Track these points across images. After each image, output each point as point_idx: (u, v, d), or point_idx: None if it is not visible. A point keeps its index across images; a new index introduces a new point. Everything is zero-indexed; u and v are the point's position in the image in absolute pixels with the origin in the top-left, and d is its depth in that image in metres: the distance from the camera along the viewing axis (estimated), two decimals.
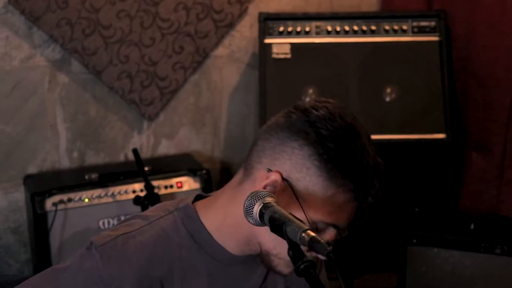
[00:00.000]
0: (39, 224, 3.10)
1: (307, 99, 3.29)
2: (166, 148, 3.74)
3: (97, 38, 3.40)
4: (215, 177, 3.67)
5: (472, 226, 2.86)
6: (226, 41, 3.71)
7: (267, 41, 3.35)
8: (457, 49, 3.42)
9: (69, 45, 3.37)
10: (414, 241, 2.77)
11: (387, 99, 3.29)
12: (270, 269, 1.40)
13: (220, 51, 3.71)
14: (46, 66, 3.43)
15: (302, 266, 1.09)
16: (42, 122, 3.48)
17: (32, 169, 3.48)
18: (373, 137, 3.17)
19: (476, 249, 2.77)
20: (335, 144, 1.33)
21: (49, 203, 3.11)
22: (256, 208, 1.20)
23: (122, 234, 1.36)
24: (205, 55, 3.63)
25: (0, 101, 3.38)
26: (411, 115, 3.26)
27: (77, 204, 3.18)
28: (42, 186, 3.20)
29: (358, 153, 1.35)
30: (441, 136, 3.17)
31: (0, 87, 3.37)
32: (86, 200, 3.19)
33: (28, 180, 3.36)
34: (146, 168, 3.18)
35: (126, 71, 3.49)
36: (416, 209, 2.93)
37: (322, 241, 1.12)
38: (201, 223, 1.40)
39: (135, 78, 3.51)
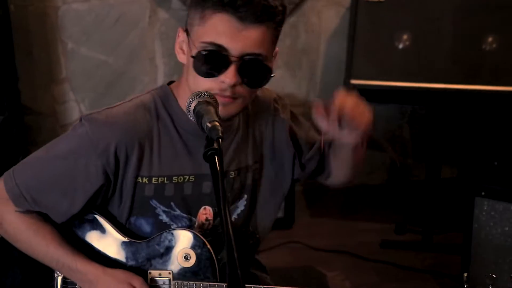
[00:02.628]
0: None
1: (401, 46, 3.20)
2: (259, 90, 3.75)
3: None
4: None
5: None
6: None
7: None
8: None
9: None
10: (483, 193, 2.63)
11: (487, 48, 3.08)
12: None
13: None
14: (147, 1, 3.56)
15: (208, 152, 1.21)
16: (141, 55, 3.63)
17: None
18: (466, 87, 3.09)
19: None
20: None
21: None
22: (193, 105, 1.35)
23: (106, 108, 1.59)
24: None
25: (103, 33, 3.56)
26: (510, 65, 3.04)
27: None
28: None
29: None
30: None
31: (105, 19, 3.54)
32: None
33: None
34: None
35: None
36: (496, 163, 2.76)
37: (207, 116, 1.28)
38: (174, 97, 1.59)
39: None
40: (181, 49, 1.55)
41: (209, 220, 1.62)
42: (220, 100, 1.42)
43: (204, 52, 1.45)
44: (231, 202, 1.65)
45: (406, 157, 4.00)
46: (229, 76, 1.44)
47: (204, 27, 1.45)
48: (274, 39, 1.50)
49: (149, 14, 3.57)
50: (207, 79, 1.47)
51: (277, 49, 1.54)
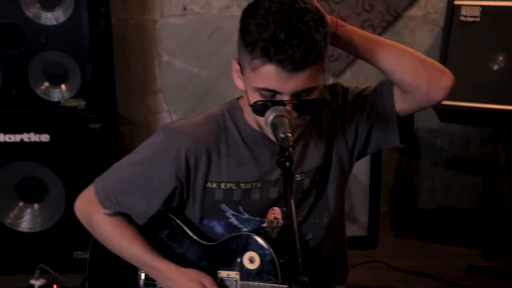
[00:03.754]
0: None
1: (495, 67, 3.12)
2: None
3: None
4: None
5: None
6: (422, 1, 3.60)
7: (456, 2, 3.18)
8: None
9: None
10: None
11: None
12: None
13: (414, 12, 3.61)
14: (241, 16, 3.63)
15: (281, 159, 1.35)
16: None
17: None
18: None
19: None
20: (240, 21, 1.56)
21: None
22: (270, 118, 1.49)
23: (180, 119, 1.75)
24: (397, 15, 3.56)
25: (198, 47, 3.67)
26: None
27: None
28: None
29: (253, 22, 1.50)
30: None
31: (199, 33, 3.66)
32: None
33: None
34: None
35: None
36: None
37: (281, 128, 1.43)
38: (240, 110, 1.70)
39: None
40: (238, 77, 1.66)
41: (278, 218, 1.69)
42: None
43: (260, 102, 1.52)
44: (301, 201, 1.71)
45: (500, 182, 3.88)
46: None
47: (255, 73, 1.53)
48: (318, 72, 1.55)
49: None
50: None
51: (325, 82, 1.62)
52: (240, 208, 1.67)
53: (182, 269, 1.65)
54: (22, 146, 3.07)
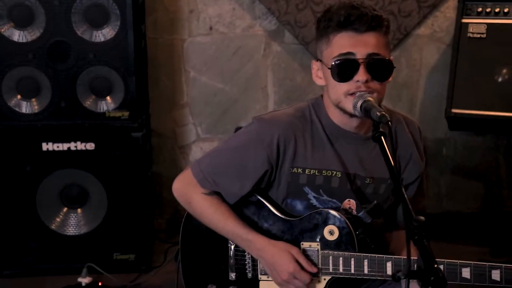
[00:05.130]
0: None
1: (500, 79, 3.43)
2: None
3: (308, 13, 3.82)
4: None
5: None
6: (429, 21, 3.92)
7: (464, 20, 3.50)
8: None
9: (283, 18, 3.83)
10: None
11: None
12: None
13: (422, 30, 3.93)
14: (263, 35, 3.93)
15: (376, 134, 1.60)
16: (255, 84, 3.99)
17: (242, 125, 4.00)
18: None
19: None
20: (317, 23, 1.90)
21: None
22: (359, 104, 1.76)
23: (272, 112, 2.02)
24: (406, 33, 3.88)
25: (222, 64, 3.95)
26: None
27: None
28: None
29: (326, 14, 1.85)
30: None
31: (224, 51, 3.94)
32: None
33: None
34: None
35: None
36: None
37: (374, 109, 1.67)
38: (324, 106, 1.93)
39: None
40: (317, 76, 1.92)
41: (352, 209, 1.92)
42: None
43: (337, 62, 1.80)
44: (363, 201, 1.95)
45: (500, 188, 4.17)
46: (361, 75, 1.78)
47: (331, 47, 1.82)
48: (386, 45, 1.84)
49: (264, 47, 3.94)
50: (344, 83, 1.80)
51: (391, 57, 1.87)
52: (321, 191, 1.92)
53: (272, 241, 1.90)
54: (69, 155, 3.31)
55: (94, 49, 3.22)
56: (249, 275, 1.94)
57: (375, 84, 1.80)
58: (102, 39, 3.21)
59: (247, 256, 1.96)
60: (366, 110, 1.71)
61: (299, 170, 1.91)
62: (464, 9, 3.52)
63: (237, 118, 4.02)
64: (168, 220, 4.10)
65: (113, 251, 3.45)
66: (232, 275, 1.97)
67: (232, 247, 1.98)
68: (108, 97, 3.30)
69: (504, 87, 3.41)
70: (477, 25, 3.47)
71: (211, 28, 3.91)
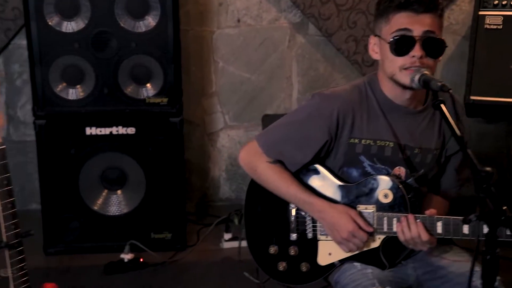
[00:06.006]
0: None
1: None
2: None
3: (332, 6, 4.03)
4: None
5: None
6: (446, 14, 4.12)
7: (481, 13, 3.71)
8: None
9: (308, 11, 4.03)
10: None
11: None
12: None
13: None
14: (288, 28, 4.14)
15: (436, 102, 1.84)
16: (280, 74, 4.20)
17: (268, 113, 4.21)
18: None
19: None
20: (376, 5, 2.11)
21: None
22: (417, 77, 1.97)
23: (331, 88, 2.20)
24: None
25: (249, 54, 4.16)
26: None
27: None
28: None
29: None
30: None
31: (251, 42, 4.14)
32: None
33: (265, 118, 4.06)
34: None
35: (353, 35, 4.08)
36: None
37: (434, 80, 1.90)
38: (378, 82, 2.14)
39: (360, 41, 4.09)
40: (373, 51, 2.14)
41: (401, 176, 2.12)
42: (410, 72, 1.99)
43: (396, 37, 2.01)
44: (412, 170, 2.15)
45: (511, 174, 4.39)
46: (416, 51, 1.98)
47: (390, 24, 2.03)
48: (440, 26, 2.06)
49: (289, 39, 4.15)
50: (401, 57, 2.01)
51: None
52: (375, 159, 2.12)
53: (332, 203, 2.11)
54: (110, 139, 3.50)
55: (136, 39, 3.41)
56: (309, 235, 2.15)
57: (428, 60, 2.00)
58: (144, 29, 3.41)
59: (307, 218, 2.16)
60: (425, 81, 1.91)
61: (356, 140, 2.11)
62: (481, 2, 3.73)
63: (263, 106, 4.23)
64: (197, 204, 4.30)
65: (150, 230, 3.64)
66: (293, 236, 2.17)
67: (293, 210, 2.18)
68: (148, 84, 3.49)
69: None
70: (493, 17, 3.67)
71: (239, 21, 4.11)
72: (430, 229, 1.99)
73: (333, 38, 4.08)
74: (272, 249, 2.19)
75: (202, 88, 4.19)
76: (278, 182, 2.13)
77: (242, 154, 2.20)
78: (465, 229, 1.97)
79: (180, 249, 3.68)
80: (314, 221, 2.15)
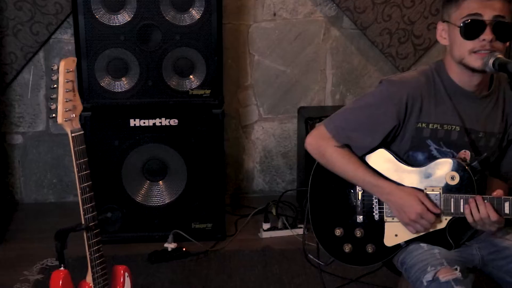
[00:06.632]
0: None
1: None
2: None
3: None
4: None
5: None
6: None
7: None
8: None
9: (343, 4, 4.09)
10: None
11: None
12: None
13: None
14: (323, 21, 4.20)
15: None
16: (314, 67, 4.26)
17: (303, 105, 4.27)
18: None
19: None
20: None
21: None
22: (491, 61, 2.04)
23: (398, 74, 2.31)
24: None
25: (285, 47, 4.21)
26: None
27: None
28: (313, 114, 3.93)
29: None
30: None
31: (286, 36, 4.20)
32: None
33: (302, 110, 4.15)
34: None
35: (387, 28, 4.13)
36: None
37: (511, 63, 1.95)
38: (445, 68, 2.20)
39: (394, 34, 4.15)
40: (441, 36, 2.20)
41: (466, 160, 2.18)
42: (481, 56, 2.06)
43: (466, 21, 2.08)
44: (476, 153, 2.21)
45: None
46: (487, 34, 2.05)
47: (460, 9, 2.10)
48: (510, 12, 2.10)
49: (324, 32, 4.21)
50: (471, 41, 2.07)
51: None
52: (441, 143, 2.18)
53: (399, 186, 2.16)
54: (153, 130, 3.56)
55: (180, 31, 3.47)
56: (376, 217, 2.21)
57: (498, 44, 2.07)
58: (188, 22, 3.47)
59: (374, 200, 2.22)
60: (501, 64, 1.97)
61: (424, 125, 2.17)
62: None
63: (297, 99, 4.29)
64: (231, 195, 4.36)
65: (191, 220, 3.70)
66: (360, 218, 2.23)
67: (360, 192, 2.24)
68: (191, 76, 3.55)
69: None
70: None
71: (275, 14, 4.17)
72: (497, 210, 2.04)
73: (368, 31, 4.14)
74: (338, 231, 2.25)
75: (237, 80, 4.25)
76: (346, 165, 2.19)
77: (309, 139, 2.26)
78: None
79: (221, 239, 3.74)
80: (380, 203, 2.21)
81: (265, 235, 3.78)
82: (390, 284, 3.08)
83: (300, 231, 3.77)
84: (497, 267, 2.17)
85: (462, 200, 2.10)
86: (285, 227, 3.79)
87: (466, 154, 2.19)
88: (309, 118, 3.86)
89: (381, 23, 4.12)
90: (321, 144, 2.21)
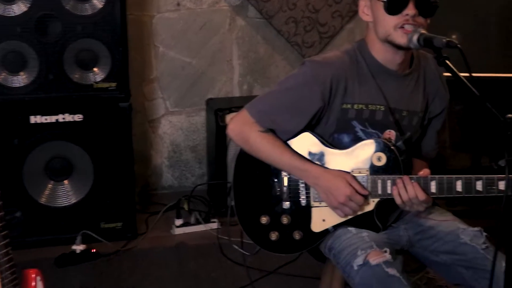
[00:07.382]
0: (220, 136, 3.74)
1: None
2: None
3: None
4: None
5: None
6: None
7: None
8: None
9: None
10: None
11: None
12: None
13: None
14: (228, 11, 4.13)
15: (441, 59, 1.86)
16: (221, 57, 4.18)
17: (211, 97, 4.18)
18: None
19: None
20: None
21: (228, 118, 3.72)
22: (415, 38, 2.00)
23: (321, 54, 2.22)
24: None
25: (190, 38, 4.11)
26: None
27: None
28: (222, 106, 3.85)
29: None
30: None
31: (191, 26, 4.10)
32: None
33: (210, 101, 4.06)
34: None
35: (293, 17, 4.12)
36: None
37: (437, 38, 1.88)
38: (367, 47, 2.17)
39: (300, 23, 4.14)
40: (364, 13, 2.16)
41: (391, 140, 2.16)
42: (406, 31, 2.03)
43: None
44: (401, 133, 2.19)
45: (444, 148, 4.57)
46: (410, 9, 2.02)
47: None
48: None
49: (229, 22, 4.14)
50: (394, 16, 2.04)
51: None
52: (366, 124, 2.15)
53: (327, 169, 2.11)
54: (57, 127, 3.37)
55: (81, 22, 3.30)
56: (302, 203, 2.15)
57: (420, 19, 2.04)
58: (89, 12, 3.30)
59: (300, 185, 2.16)
60: (426, 39, 1.93)
61: (349, 105, 2.13)
62: None
63: (204, 90, 4.20)
64: (139, 192, 4.21)
65: (100, 220, 3.53)
66: (286, 204, 2.16)
67: (286, 178, 2.17)
68: (95, 69, 3.39)
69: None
70: None
71: (178, 4, 4.06)
72: (424, 189, 2.04)
73: (273, 20, 4.11)
74: (264, 219, 2.17)
75: (142, 73, 4.11)
76: (272, 151, 2.12)
77: (231, 125, 2.17)
78: (458, 186, 2.03)
79: (132, 238, 3.60)
80: (307, 188, 2.15)
81: (178, 231, 3.67)
82: (309, 273, 3.06)
83: (214, 225, 3.69)
84: (423, 247, 2.17)
85: (389, 182, 2.08)
86: (198, 222, 3.70)
87: (391, 134, 2.17)
88: (218, 110, 3.78)
89: (286, 11, 4.10)
90: (244, 129, 2.13)
